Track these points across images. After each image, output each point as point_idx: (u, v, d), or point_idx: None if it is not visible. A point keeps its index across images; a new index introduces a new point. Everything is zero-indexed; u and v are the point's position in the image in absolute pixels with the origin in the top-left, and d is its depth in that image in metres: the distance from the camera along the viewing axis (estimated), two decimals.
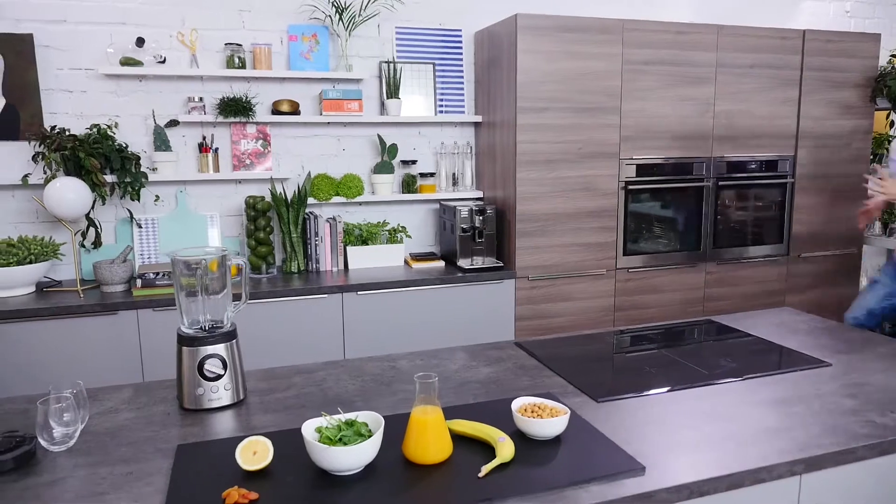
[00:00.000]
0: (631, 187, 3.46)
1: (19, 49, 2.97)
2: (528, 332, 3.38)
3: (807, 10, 4.29)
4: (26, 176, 2.96)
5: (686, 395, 1.65)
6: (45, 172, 2.95)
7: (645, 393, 1.67)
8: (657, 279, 3.59)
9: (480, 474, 1.25)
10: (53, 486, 1.25)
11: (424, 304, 3.19)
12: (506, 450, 1.30)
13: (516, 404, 1.46)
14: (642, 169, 3.47)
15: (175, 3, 3.16)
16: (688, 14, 4.00)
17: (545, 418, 1.40)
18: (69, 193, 2.83)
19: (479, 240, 3.37)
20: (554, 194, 3.33)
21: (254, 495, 1.18)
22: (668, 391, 1.68)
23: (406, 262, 3.50)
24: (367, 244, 3.44)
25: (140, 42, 3.09)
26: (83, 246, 3.11)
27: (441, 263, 3.45)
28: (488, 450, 1.35)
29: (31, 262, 2.83)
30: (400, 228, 3.55)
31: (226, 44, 3.22)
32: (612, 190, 3.43)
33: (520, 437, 1.40)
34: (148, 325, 2.80)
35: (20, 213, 3.09)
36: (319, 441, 1.26)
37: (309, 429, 1.30)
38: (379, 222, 3.51)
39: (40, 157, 2.94)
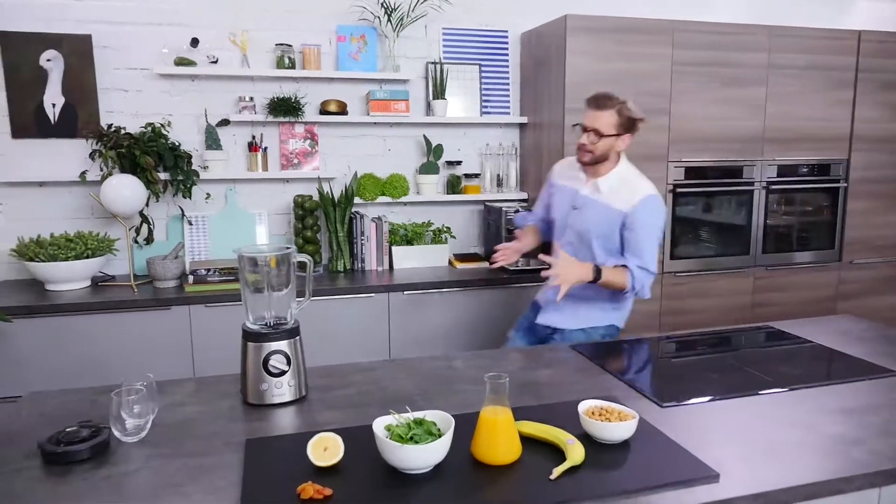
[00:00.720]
0: (679, 190, 3.41)
1: (79, 49, 3.03)
2: None
3: (862, 10, 4.19)
4: (84, 173, 3.03)
5: (753, 402, 1.62)
6: (101, 170, 3.01)
7: (711, 398, 1.64)
8: (705, 284, 3.53)
9: (552, 476, 1.24)
10: (131, 476, 1.27)
11: (469, 304, 3.18)
12: (576, 452, 1.29)
13: (583, 406, 1.44)
14: (691, 172, 3.42)
15: (228, 5, 3.21)
16: (739, 15, 3.93)
17: (613, 422, 1.38)
18: (125, 190, 2.89)
19: None
20: None
21: (328, 491, 1.18)
22: (734, 397, 1.65)
23: (450, 262, 3.50)
24: (412, 244, 3.44)
25: (194, 42, 3.14)
26: (136, 242, 3.17)
27: (485, 264, 3.44)
28: (556, 452, 1.34)
29: (87, 257, 2.89)
30: (444, 229, 3.55)
31: (276, 44, 3.25)
32: (661, 193, 3.38)
33: (586, 440, 1.38)
34: (200, 320, 2.84)
35: (77, 209, 3.16)
36: (390, 439, 1.27)
37: (379, 426, 1.30)
38: (424, 222, 3.52)
39: (97, 154, 3.01)
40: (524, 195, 3.66)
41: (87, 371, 2.72)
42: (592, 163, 2.26)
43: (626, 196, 2.23)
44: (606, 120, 2.19)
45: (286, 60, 3.24)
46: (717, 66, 3.35)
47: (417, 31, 3.47)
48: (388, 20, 3.33)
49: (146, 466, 1.31)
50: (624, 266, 2.19)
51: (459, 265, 3.42)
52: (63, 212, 3.15)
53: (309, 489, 1.18)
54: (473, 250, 3.74)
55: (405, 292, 3.07)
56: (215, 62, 3.18)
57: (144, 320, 2.78)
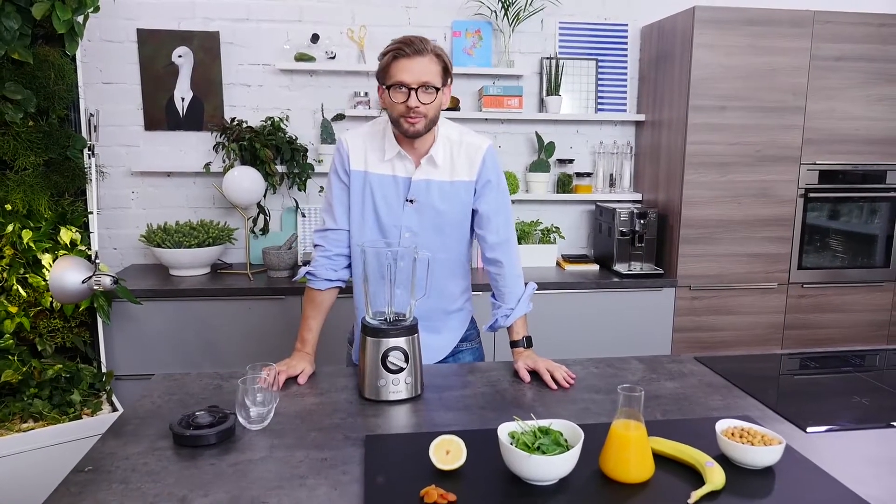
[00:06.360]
0: (812, 195, 3.16)
1: (207, 45, 3.17)
2: (687, 345, 3.18)
3: None
4: (208, 164, 3.16)
5: None
6: (223, 161, 3.14)
7: (865, 426, 1.48)
8: (837, 297, 3.25)
9: (690, 501, 1.14)
10: (256, 464, 1.28)
11: (577, 308, 3.08)
12: (716, 476, 1.19)
13: (721, 426, 1.33)
14: (826, 175, 3.16)
15: (348, 0, 3.25)
16: (891, 4, 3.60)
17: (756, 445, 1.26)
18: (245, 182, 2.99)
19: (639, 244, 3.21)
20: (724, 200, 3.11)
21: (452, 496, 1.14)
22: (891, 426, 1.48)
23: (558, 263, 3.41)
24: (520, 243, 3.37)
25: (315, 38, 3.21)
26: (253, 232, 3.28)
27: (595, 267, 3.32)
28: (690, 473, 1.24)
29: (208, 245, 3.02)
30: (553, 229, 3.46)
31: (392, 40, 3.26)
32: (790, 197, 3.15)
33: (723, 462, 1.27)
34: None
35: (201, 198, 3.31)
36: (515, 447, 1.21)
37: (503, 433, 1.25)
38: (532, 221, 3.44)
39: (220, 146, 3.14)
40: (638, 196, 3.51)
41: (204, 354, 2.84)
42: (425, 131, 1.72)
43: (466, 159, 1.79)
44: (433, 68, 1.68)
45: None
46: (864, 60, 3.08)
47: (533, 25, 3.39)
48: (505, 14, 3.27)
49: (270, 456, 1.32)
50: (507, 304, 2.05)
51: (568, 266, 3.32)
52: (188, 201, 3.30)
53: (433, 493, 1.14)
54: (583, 252, 3.63)
55: None
56: (333, 58, 3.24)
57: (258, 308, 2.87)
